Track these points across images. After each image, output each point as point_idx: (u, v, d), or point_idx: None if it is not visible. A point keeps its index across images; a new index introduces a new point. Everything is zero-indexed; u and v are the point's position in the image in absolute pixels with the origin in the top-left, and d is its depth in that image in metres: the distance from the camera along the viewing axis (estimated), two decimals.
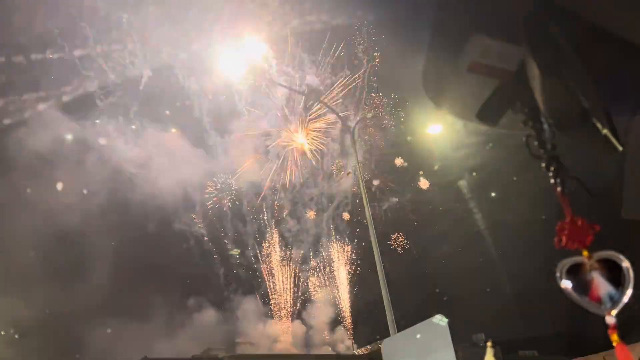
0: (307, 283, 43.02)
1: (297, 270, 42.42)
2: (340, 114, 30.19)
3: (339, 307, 44.17)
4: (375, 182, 34.35)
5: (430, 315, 14.45)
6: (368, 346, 39.67)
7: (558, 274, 1.38)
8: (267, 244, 40.93)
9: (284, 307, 42.84)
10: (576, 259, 1.38)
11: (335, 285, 43.39)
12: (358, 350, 40.22)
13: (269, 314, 42.13)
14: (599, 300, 1.34)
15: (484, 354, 16.50)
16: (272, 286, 42.24)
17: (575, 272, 1.37)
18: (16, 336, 25.82)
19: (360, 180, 20.91)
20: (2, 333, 24.83)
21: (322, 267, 42.75)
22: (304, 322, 42.89)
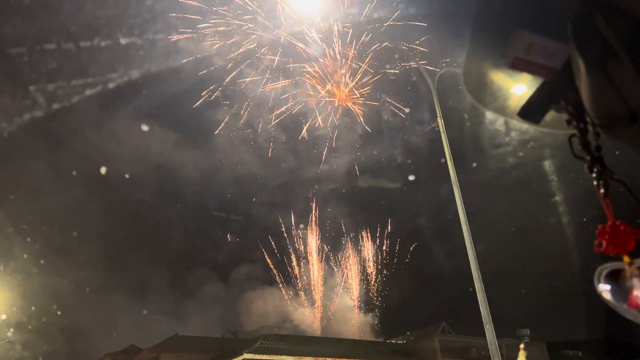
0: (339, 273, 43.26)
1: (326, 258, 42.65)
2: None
3: (368, 299, 44.00)
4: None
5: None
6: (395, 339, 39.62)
7: (596, 279, 1.34)
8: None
9: (313, 293, 43.16)
10: (616, 264, 1.34)
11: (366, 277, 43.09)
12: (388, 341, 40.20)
13: (297, 300, 42.69)
14: (637, 308, 1.30)
15: (526, 348, 16.23)
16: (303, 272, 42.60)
17: (614, 278, 1.33)
18: (58, 312, 26.99)
19: (444, 136, 16.78)
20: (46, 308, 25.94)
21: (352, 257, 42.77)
22: (328, 309, 43.32)
